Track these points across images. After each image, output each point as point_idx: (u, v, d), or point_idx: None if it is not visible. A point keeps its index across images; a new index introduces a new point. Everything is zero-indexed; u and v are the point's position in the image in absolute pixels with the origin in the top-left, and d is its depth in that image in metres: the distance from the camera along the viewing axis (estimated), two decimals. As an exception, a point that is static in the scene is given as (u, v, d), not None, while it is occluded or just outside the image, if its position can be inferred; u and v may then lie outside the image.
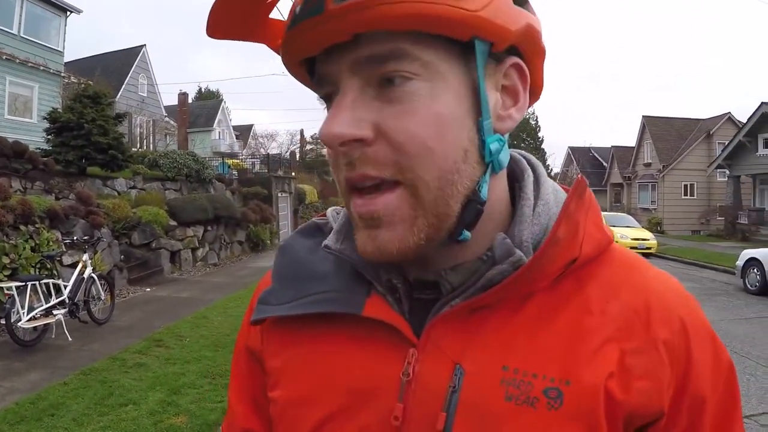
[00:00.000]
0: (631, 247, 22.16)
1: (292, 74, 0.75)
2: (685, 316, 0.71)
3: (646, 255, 22.56)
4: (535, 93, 0.78)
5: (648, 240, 23.22)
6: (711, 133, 37.60)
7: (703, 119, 40.73)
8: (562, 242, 0.69)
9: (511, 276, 0.68)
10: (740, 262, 14.39)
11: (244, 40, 0.73)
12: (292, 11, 0.66)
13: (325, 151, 0.87)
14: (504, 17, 0.65)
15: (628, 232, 23.43)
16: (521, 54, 0.71)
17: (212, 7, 0.67)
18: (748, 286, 13.88)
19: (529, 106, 0.76)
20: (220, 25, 0.70)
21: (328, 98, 0.71)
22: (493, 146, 0.69)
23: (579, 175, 0.78)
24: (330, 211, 0.91)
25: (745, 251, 14.57)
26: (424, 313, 0.74)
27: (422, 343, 0.71)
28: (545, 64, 0.77)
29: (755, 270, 13.72)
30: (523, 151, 0.85)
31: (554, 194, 0.79)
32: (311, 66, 0.71)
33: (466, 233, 0.70)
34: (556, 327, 0.69)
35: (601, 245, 0.74)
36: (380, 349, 0.74)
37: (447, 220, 0.68)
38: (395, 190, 0.66)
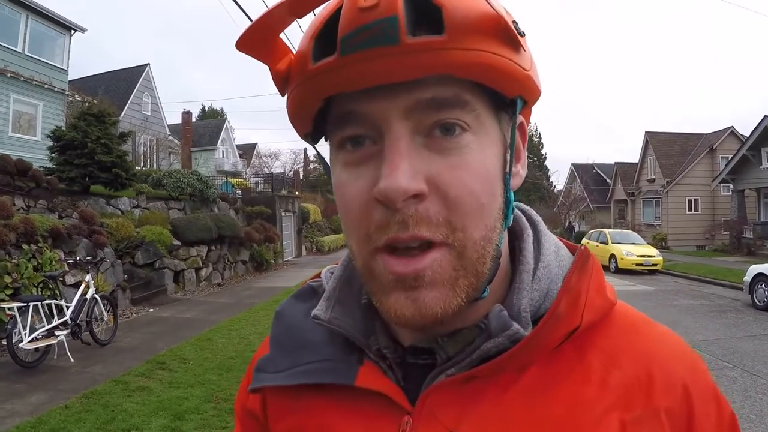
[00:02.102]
0: (637, 264, 22.19)
1: (298, 106, 0.68)
2: (689, 380, 0.69)
3: (652, 272, 22.54)
4: None
5: (654, 257, 23.09)
6: (714, 147, 37.59)
7: (706, 134, 40.72)
8: (563, 315, 0.67)
9: (508, 351, 0.66)
10: (748, 278, 14.30)
11: (257, 56, 0.66)
12: (316, 35, 0.62)
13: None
14: (539, 80, 0.67)
15: (633, 249, 23.38)
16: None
17: (253, 25, 0.62)
18: (757, 302, 13.78)
19: None
20: (248, 41, 0.64)
21: (355, 141, 0.65)
22: (513, 202, 0.70)
23: (582, 247, 0.76)
24: (325, 272, 0.88)
25: (753, 267, 14.48)
26: (420, 379, 0.72)
27: (417, 411, 0.69)
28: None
29: (763, 286, 13.65)
30: (521, 204, 0.82)
31: (556, 253, 0.77)
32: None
33: (488, 290, 0.68)
34: (556, 398, 0.66)
35: (603, 310, 0.71)
36: (374, 418, 0.71)
37: (482, 279, 0.66)
38: (441, 249, 0.62)
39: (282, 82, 0.68)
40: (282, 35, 0.65)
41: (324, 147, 0.73)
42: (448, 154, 0.62)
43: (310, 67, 0.62)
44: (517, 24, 0.62)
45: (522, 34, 0.62)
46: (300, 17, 0.63)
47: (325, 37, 0.61)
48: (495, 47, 0.59)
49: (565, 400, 0.65)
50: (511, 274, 0.74)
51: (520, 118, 0.71)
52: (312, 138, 0.72)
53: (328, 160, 0.72)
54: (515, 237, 0.77)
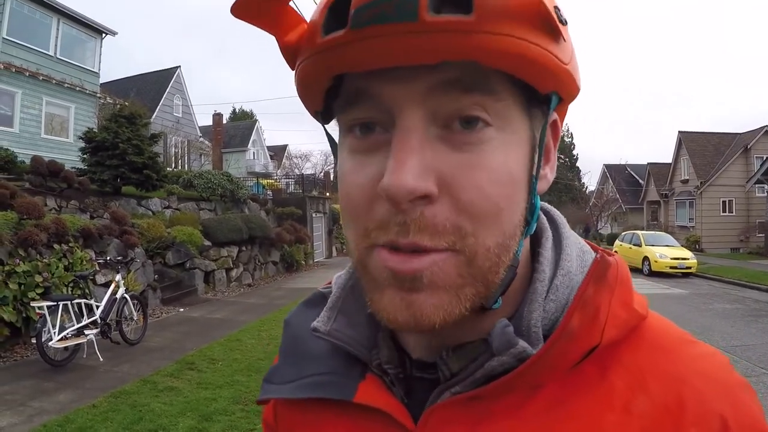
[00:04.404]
0: (671, 267, 21.85)
1: (306, 82, 0.60)
2: (728, 413, 0.57)
3: (686, 275, 22.18)
4: None
5: (688, 259, 22.71)
6: (748, 147, 36.74)
7: (740, 133, 39.95)
8: (577, 333, 0.58)
9: (514, 371, 0.58)
10: (785, 282, 13.94)
11: (258, 24, 0.59)
12: (330, 4, 0.54)
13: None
14: (578, 74, 0.60)
15: (667, 252, 23.03)
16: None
17: None
18: (795, 306, 13.41)
19: None
20: (246, 5, 0.56)
21: (365, 127, 0.58)
22: (538, 208, 0.64)
23: (597, 256, 0.66)
24: (335, 277, 0.81)
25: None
26: (426, 395, 0.66)
27: (420, 430, 0.63)
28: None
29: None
30: (543, 204, 0.73)
31: (579, 258, 0.68)
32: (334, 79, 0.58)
33: (500, 300, 0.61)
34: (572, 422, 0.58)
35: (629, 325, 0.62)
36: None
37: (492, 289, 0.59)
38: (446, 252, 0.55)
39: (291, 55, 0.60)
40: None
41: (335, 126, 0.65)
42: (467, 150, 0.55)
43: (319, 40, 0.55)
44: (559, 10, 0.54)
45: (564, 23, 0.54)
46: None
47: (338, 8, 0.53)
48: (530, 35, 0.51)
49: (582, 425, 0.58)
50: (531, 276, 0.66)
51: (554, 116, 0.63)
52: (323, 117, 0.65)
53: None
54: (534, 240, 0.69)
